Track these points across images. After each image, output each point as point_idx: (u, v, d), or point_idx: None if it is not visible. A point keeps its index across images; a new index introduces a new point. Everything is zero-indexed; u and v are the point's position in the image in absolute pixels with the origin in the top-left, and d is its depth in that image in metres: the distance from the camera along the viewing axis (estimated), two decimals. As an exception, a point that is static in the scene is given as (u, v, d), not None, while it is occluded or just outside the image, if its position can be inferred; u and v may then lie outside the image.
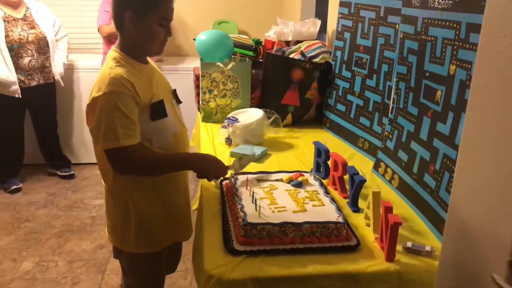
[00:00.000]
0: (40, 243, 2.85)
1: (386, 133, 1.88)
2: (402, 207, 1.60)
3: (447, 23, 1.44)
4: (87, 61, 3.89)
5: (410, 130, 1.68)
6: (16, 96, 3.31)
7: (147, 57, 1.61)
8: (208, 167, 1.60)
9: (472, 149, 0.94)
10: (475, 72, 0.91)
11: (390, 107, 1.89)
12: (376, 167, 1.91)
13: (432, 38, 1.53)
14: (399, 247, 1.32)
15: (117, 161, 1.48)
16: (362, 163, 1.99)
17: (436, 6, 1.50)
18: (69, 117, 3.93)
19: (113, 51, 1.52)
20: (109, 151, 1.45)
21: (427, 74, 1.58)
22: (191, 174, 1.80)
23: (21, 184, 3.59)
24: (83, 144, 3.99)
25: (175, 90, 1.73)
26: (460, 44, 1.37)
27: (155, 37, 1.50)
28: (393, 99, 1.86)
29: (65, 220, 3.14)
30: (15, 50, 3.28)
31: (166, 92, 1.66)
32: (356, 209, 1.58)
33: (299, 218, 1.38)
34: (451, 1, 1.43)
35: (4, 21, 3.25)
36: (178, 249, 1.89)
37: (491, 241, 0.84)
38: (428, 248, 1.32)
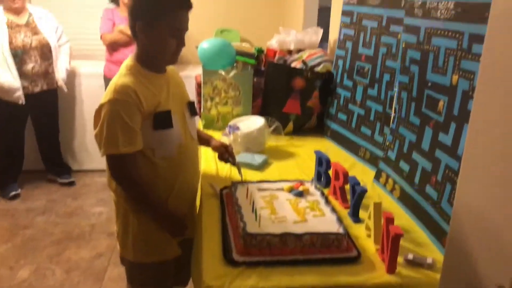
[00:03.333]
0: (38, 251, 2.82)
1: (387, 143, 1.87)
2: (403, 218, 1.58)
3: (450, 33, 1.43)
4: (90, 67, 3.88)
5: (411, 140, 1.67)
6: (20, 102, 3.30)
7: (165, 67, 1.61)
8: (170, 229, 1.61)
9: (475, 160, 0.92)
10: (478, 83, 0.90)
11: (392, 116, 1.88)
12: (377, 177, 1.89)
13: (435, 48, 1.52)
14: (400, 259, 1.29)
15: (115, 167, 1.50)
16: (363, 173, 1.97)
17: (438, 16, 1.50)
18: (71, 123, 3.91)
19: (129, 59, 1.55)
20: (109, 157, 1.47)
21: (429, 84, 1.57)
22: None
23: (20, 190, 3.56)
24: (85, 150, 3.96)
25: (192, 102, 1.72)
26: (463, 54, 1.36)
27: (165, 47, 1.49)
28: (395, 108, 1.85)
29: (64, 228, 3.11)
30: (20, 56, 3.28)
31: (180, 103, 1.65)
32: (357, 219, 1.56)
33: (300, 228, 1.36)
34: (453, 12, 1.42)
35: (8, 27, 3.26)
36: (188, 262, 1.85)
37: (495, 254, 0.83)
38: (429, 261, 1.30)
